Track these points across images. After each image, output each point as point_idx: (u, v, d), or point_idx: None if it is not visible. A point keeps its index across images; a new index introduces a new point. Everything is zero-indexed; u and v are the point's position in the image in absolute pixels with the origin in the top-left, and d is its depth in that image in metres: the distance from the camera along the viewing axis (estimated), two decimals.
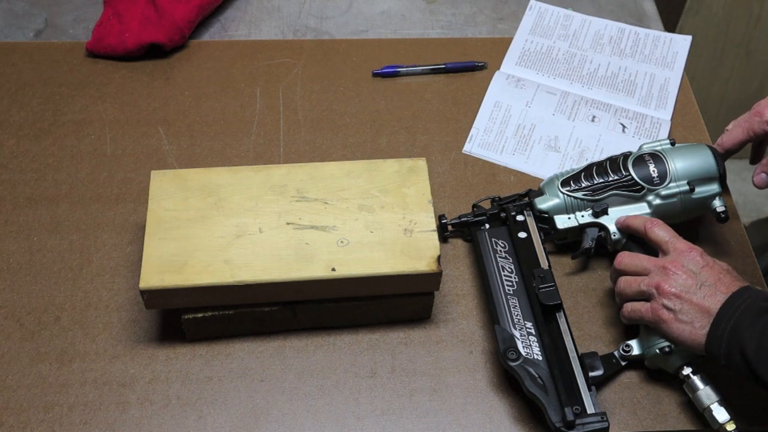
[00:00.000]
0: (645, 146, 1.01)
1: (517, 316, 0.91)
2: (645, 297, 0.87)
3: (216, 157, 1.10)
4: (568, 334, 0.90)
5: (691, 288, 0.84)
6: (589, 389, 0.86)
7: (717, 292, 0.83)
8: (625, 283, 0.89)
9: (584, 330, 0.95)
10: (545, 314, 0.91)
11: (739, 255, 1.02)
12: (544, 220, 0.99)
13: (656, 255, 0.90)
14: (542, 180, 1.04)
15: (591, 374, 0.88)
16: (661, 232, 0.90)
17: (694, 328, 0.83)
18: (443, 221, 1.01)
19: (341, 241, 0.89)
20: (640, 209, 0.97)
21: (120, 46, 1.18)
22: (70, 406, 0.88)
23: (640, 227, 0.92)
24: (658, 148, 1.00)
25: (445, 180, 1.08)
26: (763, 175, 0.95)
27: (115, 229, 1.02)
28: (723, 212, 0.98)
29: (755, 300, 0.81)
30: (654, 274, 0.87)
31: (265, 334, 0.94)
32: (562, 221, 0.98)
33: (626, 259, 0.90)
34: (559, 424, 0.83)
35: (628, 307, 0.89)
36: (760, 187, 0.96)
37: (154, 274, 0.86)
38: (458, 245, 1.02)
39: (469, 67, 1.22)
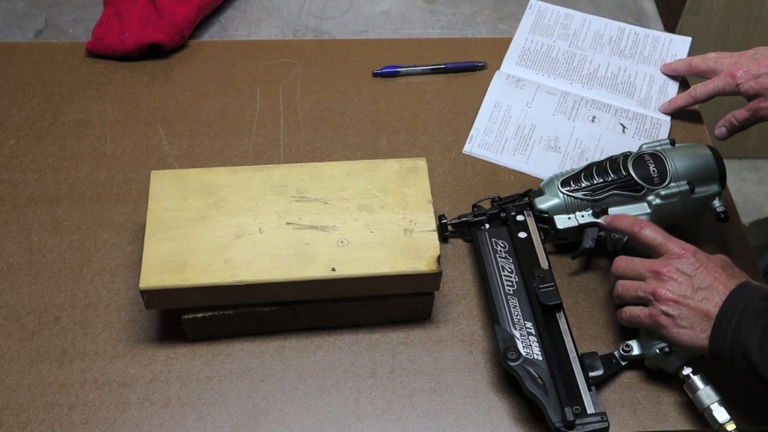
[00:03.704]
0: (645, 146, 1.01)
1: (517, 316, 0.91)
2: (643, 302, 0.87)
3: (216, 157, 1.10)
4: (568, 334, 0.90)
5: (687, 292, 0.84)
6: (589, 389, 0.86)
7: (714, 294, 0.83)
8: (623, 288, 0.89)
9: (584, 330, 0.95)
10: (545, 314, 0.91)
11: (739, 255, 1.02)
12: (544, 220, 0.99)
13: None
14: (542, 180, 1.04)
15: (591, 374, 0.88)
16: (651, 234, 0.89)
17: (695, 332, 0.83)
18: (443, 221, 1.01)
19: (341, 241, 0.89)
20: (640, 209, 0.97)
21: (120, 46, 1.18)
22: (70, 406, 0.88)
23: (628, 230, 0.91)
24: (658, 148, 1.00)
25: (445, 180, 1.09)
26: (723, 128, 1.10)
27: (115, 229, 1.02)
28: (723, 212, 0.98)
29: (753, 299, 0.81)
30: (650, 280, 0.86)
31: (265, 334, 0.94)
32: (562, 221, 0.98)
33: (622, 263, 0.90)
34: (559, 424, 0.83)
35: (627, 312, 0.89)
36: (719, 139, 1.11)
37: (154, 274, 0.86)
38: (458, 245, 1.02)
39: (469, 67, 1.22)
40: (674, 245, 0.87)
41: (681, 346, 0.84)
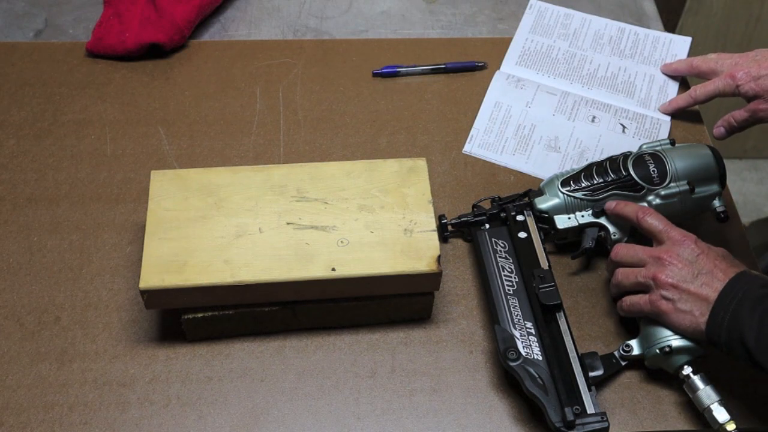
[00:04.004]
0: (645, 146, 1.01)
1: (517, 316, 0.91)
2: (643, 288, 0.88)
3: (216, 157, 1.10)
4: (568, 334, 0.90)
5: (687, 277, 0.84)
6: (589, 389, 0.86)
7: (714, 280, 0.83)
8: (623, 275, 0.89)
9: (584, 330, 0.95)
10: (545, 314, 0.91)
11: (739, 255, 1.01)
12: (544, 220, 0.99)
13: (651, 244, 0.90)
14: (542, 180, 1.04)
15: (591, 374, 0.88)
16: (654, 221, 0.90)
17: (694, 316, 0.83)
18: (443, 221, 1.01)
19: (341, 241, 0.89)
20: None
21: (120, 46, 1.18)
22: (70, 406, 0.88)
23: (633, 216, 0.92)
24: (658, 148, 1.00)
25: (445, 180, 1.09)
26: (722, 128, 1.10)
27: (115, 229, 1.02)
28: (723, 212, 0.98)
29: (752, 286, 0.81)
30: (650, 265, 0.87)
31: (265, 334, 0.94)
32: (562, 221, 0.98)
33: (622, 250, 0.91)
34: (559, 424, 0.83)
35: (627, 300, 0.89)
36: (718, 138, 1.11)
37: (154, 274, 0.86)
38: (458, 245, 1.02)
39: (469, 67, 1.22)
40: (676, 232, 0.88)
41: (681, 331, 0.85)
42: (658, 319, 0.87)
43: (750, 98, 1.05)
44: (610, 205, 0.95)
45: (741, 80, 1.05)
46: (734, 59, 1.09)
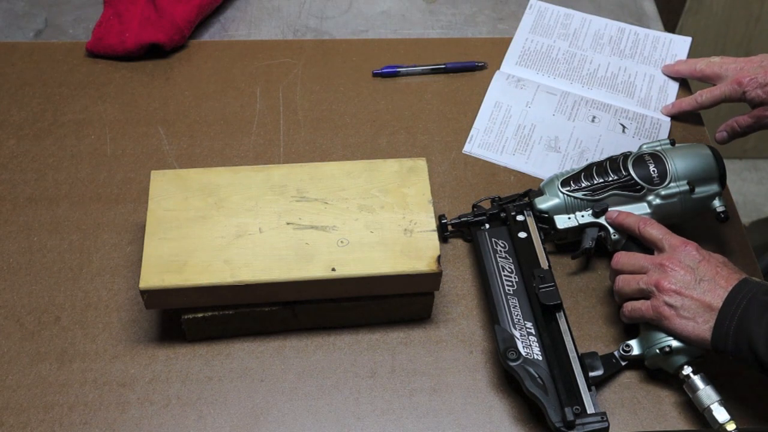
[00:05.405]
0: (645, 146, 1.01)
1: (517, 316, 0.91)
2: (645, 295, 0.87)
3: (216, 157, 1.10)
4: (568, 334, 0.90)
5: (690, 283, 0.84)
6: (589, 389, 0.86)
7: (717, 287, 0.83)
8: (624, 282, 0.89)
9: (584, 330, 0.95)
10: (545, 314, 0.91)
11: (739, 255, 1.02)
12: (544, 220, 0.99)
13: (652, 253, 0.90)
14: (542, 180, 1.04)
15: (591, 374, 0.88)
16: (654, 231, 0.90)
17: (697, 323, 0.83)
18: (443, 221, 1.01)
19: (341, 241, 0.89)
20: (640, 209, 0.97)
21: (120, 46, 1.18)
22: (70, 406, 0.88)
23: (634, 227, 0.92)
24: (658, 148, 1.00)
25: (445, 180, 1.09)
26: (724, 133, 1.10)
27: (115, 229, 1.02)
28: (723, 212, 0.98)
29: (756, 294, 0.81)
30: (652, 272, 0.87)
31: (265, 334, 0.94)
32: (562, 221, 0.98)
33: (623, 258, 0.91)
34: (559, 424, 0.83)
35: (629, 306, 0.89)
36: (719, 143, 1.11)
37: (154, 274, 0.86)
38: (458, 245, 1.02)
39: (469, 67, 1.22)
40: (676, 239, 0.88)
41: (683, 338, 0.85)
42: (659, 324, 0.86)
43: (756, 105, 1.05)
44: (611, 215, 0.96)
45: (748, 86, 1.04)
46: (739, 64, 1.08)
